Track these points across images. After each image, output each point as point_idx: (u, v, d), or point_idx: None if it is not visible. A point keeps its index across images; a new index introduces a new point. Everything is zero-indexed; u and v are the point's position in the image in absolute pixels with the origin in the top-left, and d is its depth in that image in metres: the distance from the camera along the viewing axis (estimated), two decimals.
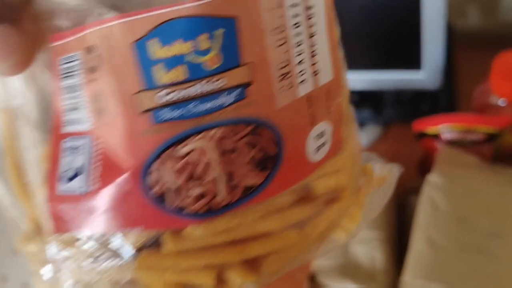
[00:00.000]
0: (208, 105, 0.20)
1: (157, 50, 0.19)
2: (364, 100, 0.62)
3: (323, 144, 0.23)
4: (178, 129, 0.20)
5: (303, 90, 0.21)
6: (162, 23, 0.18)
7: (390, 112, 0.60)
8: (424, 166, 0.57)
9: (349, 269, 0.46)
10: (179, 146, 0.20)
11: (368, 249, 0.46)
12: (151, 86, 0.19)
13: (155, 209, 0.20)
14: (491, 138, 0.48)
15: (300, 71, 0.21)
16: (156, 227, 0.21)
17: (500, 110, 0.47)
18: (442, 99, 0.58)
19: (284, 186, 0.22)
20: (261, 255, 0.23)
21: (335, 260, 0.47)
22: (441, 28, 0.47)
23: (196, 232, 0.21)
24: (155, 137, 0.20)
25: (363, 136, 0.63)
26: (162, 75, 0.19)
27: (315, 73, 0.22)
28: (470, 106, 0.54)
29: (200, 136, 0.20)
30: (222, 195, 0.21)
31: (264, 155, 0.21)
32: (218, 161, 0.20)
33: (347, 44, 0.54)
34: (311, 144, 0.23)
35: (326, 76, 0.22)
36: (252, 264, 0.23)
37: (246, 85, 0.20)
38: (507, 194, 0.42)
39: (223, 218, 0.21)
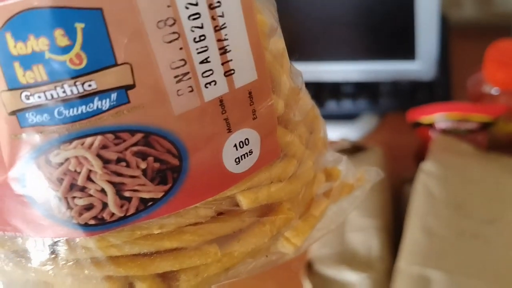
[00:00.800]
0: (79, 110, 0.17)
1: (12, 45, 0.16)
2: (361, 90, 0.62)
3: (248, 153, 0.21)
4: (47, 135, 0.17)
5: (212, 93, 0.18)
6: (14, 15, 0.16)
7: (386, 102, 0.61)
8: (420, 155, 0.58)
9: (346, 257, 0.47)
10: (52, 154, 0.18)
11: (365, 237, 0.47)
12: (13, 85, 0.17)
13: (41, 217, 0.19)
14: (485, 126, 0.48)
15: (205, 71, 0.18)
16: (44, 235, 0.19)
17: (494, 98, 0.47)
18: (438, 89, 0.59)
19: (193, 200, 0.20)
20: (176, 270, 0.21)
21: (332, 248, 0.48)
22: (435, 19, 0.47)
23: (88, 244, 0.19)
24: (24, 142, 0.18)
25: (360, 127, 0.64)
26: (21, 75, 0.17)
27: (228, 73, 0.19)
28: (465, 95, 0.55)
29: (74, 144, 0.18)
30: (112, 208, 0.19)
31: (163, 166, 0.19)
32: (100, 172, 0.18)
33: (344, 35, 0.55)
34: (229, 154, 0.20)
35: (246, 76, 0.19)
36: (168, 277, 0.21)
37: (128, 87, 0.17)
38: (502, 181, 0.43)
39: (122, 231, 0.19)
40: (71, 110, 0.17)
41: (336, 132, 0.64)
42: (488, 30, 0.64)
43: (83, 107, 0.17)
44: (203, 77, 0.18)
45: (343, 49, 0.56)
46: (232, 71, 0.19)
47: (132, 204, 0.19)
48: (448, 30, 0.64)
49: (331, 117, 0.64)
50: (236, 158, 0.20)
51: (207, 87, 0.18)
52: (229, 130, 0.19)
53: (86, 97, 0.17)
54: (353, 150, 0.54)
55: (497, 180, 0.43)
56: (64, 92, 0.17)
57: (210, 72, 0.18)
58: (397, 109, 0.61)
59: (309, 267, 0.49)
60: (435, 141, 0.49)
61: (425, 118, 0.50)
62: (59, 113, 0.17)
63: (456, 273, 0.40)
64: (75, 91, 0.17)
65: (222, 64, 0.18)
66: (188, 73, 0.18)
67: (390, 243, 0.48)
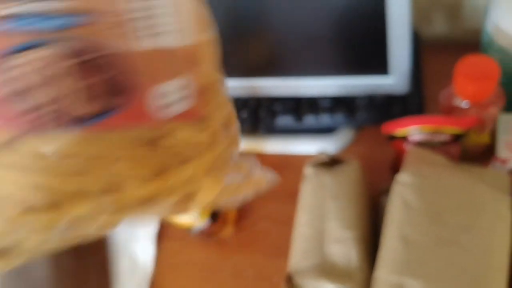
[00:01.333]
0: (42, 24, 0.19)
1: None
2: (337, 105, 0.64)
3: (176, 102, 0.24)
4: (9, 41, 0.19)
5: (164, 41, 0.22)
6: None
7: (363, 116, 0.62)
8: (395, 167, 0.59)
9: (325, 269, 0.47)
10: (5, 59, 0.20)
11: (343, 248, 0.48)
12: None
13: None
14: (457, 138, 0.50)
15: (162, 23, 0.21)
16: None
17: (465, 111, 0.49)
18: (412, 103, 0.61)
19: (123, 125, 0.22)
20: None
21: (311, 260, 0.48)
22: (407, 35, 0.49)
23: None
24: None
25: (337, 140, 0.65)
26: None
27: (177, 31, 0.22)
28: (437, 108, 0.56)
29: (27, 52, 0.19)
30: (48, 117, 0.21)
31: (109, 89, 0.21)
32: (41, 82, 0.20)
33: (320, 51, 0.57)
34: (160, 97, 0.23)
35: (187, 38, 0.23)
36: None
37: (88, 13, 0.19)
38: (475, 190, 0.44)
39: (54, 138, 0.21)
40: (36, 21, 0.19)
41: (315, 146, 0.65)
42: (458, 45, 0.66)
43: (48, 21, 0.19)
44: (159, 26, 0.21)
45: (319, 65, 0.58)
46: (180, 31, 0.23)
47: (65, 117, 0.21)
48: (420, 45, 0.66)
49: (309, 131, 0.66)
50: (164, 103, 0.23)
51: (160, 35, 0.22)
52: (167, 78, 0.23)
53: (50, 14, 0.19)
54: (331, 163, 0.55)
55: (471, 189, 0.44)
56: (31, 7, 0.19)
57: (167, 24, 0.22)
58: (373, 122, 0.63)
59: (289, 280, 0.49)
60: (409, 153, 0.50)
61: (400, 131, 0.51)
62: (24, 24, 0.19)
63: (434, 281, 0.40)
64: (42, 8, 0.19)
65: (174, 22, 0.22)
66: (150, 19, 0.21)
67: (369, 254, 0.49)
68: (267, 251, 0.60)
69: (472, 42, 0.64)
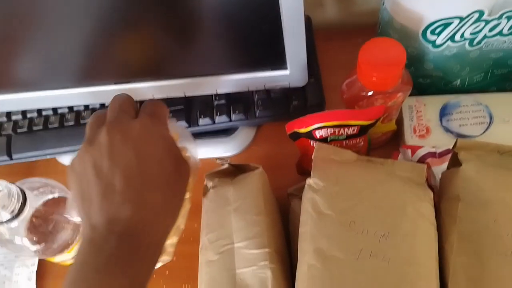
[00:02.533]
0: None
1: None
2: (234, 103, 0.57)
3: None
4: None
5: None
6: None
7: (262, 113, 0.57)
8: (302, 165, 0.54)
9: None
10: None
11: (255, 271, 0.41)
12: None
13: None
14: (364, 130, 0.46)
15: None
16: None
17: (370, 100, 0.45)
18: (312, 94, 0.56)
19: None
20: None
21: None
22: (301, 24, 0.44)
23: None
24: None
25: (237, 141, 0.59)
26: None
27: None
28: (338, 97, 0.52)
29: None
30: None
31: None
32: None
33: (211, 48, 0.49)
34: None
35: None
36: None
37: None
38: (391, 189, 0.40)
39: None
40: None
41: (215, 149, 0.58)
42: (354, 30, 0.63)
43: None
44: None
45: (212, 62, 0.51)
46: None
47: None
48: (313, 32, 0.61)
49: (206, 134, 0.59)
50: None
51: None
52: None
53: None
54: (233, 171, 0.48)
55: (384, 188, 0.41)
56: None
57: None
58: (273, 118, 0.57)
59: None
60: (316, 152, 0.45)
61: (303, 129, 0.46)
62: None
63: None
64: None
65: None
66: None
67: (286, 270, 0.43)
68: (170, 283, 0.53)
69: (368, 25, 0.61)
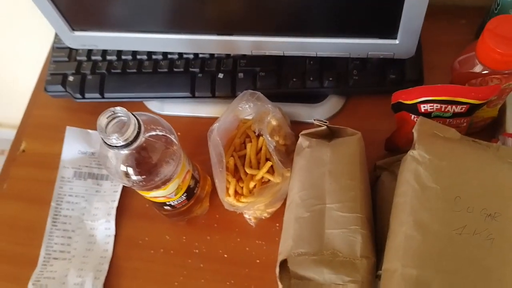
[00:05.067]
0: None
1: None
2: (328, 70, 0.56)
3: None
4: None
5: None
6: None
7: (355, 81, 0.56)
8: (393, 141, 0.53)
9: (326, 257, 0.41)
10: None
11: (347, 233, 0.41)
12: None
13: None
14: (471, 110, 0.45)
15: None
16: None
17: (484, 80, 0.43)
18: (411, 70, 0.55)
19: None
20: None
21: (309, 247, 0.42)
22: None
23: None
24: None
25: (326, 109, 0.58)
26: None
27: None
28: (436, 77, 0.51)
29: None
30: None
31: None
32: None
33: (320, 7, 0.48)
34: None
35: None
36: None
37: None
38: (498, 171, 0.39)
39: None
40: None
41: (301, 114, 0.58)
42: (456, 10, 0.61)
43: None
44: None
45: (320, 22, 0.50)
46: None
47: None
48: None
49: (295, 99, 0.58)
50: None
51: None
52: None
53: None
54: (330, 135, 0.48)
55: (492, 169, 0.39)
56: None
57: None
58: (366, 90, 0.56)
59: (283, 268, 0.42)
60: (420, 125, 0.44)
61: (410, 101, 0.45)
62: None
63: (456, 278, 0.35)
64: None
65: None
66: None
67: (373, 240, 0.43)
68: (246, 231, 0.53)
69: (472, 7, 0.59)
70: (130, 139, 0.37)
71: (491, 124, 0.53)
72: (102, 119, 0.37)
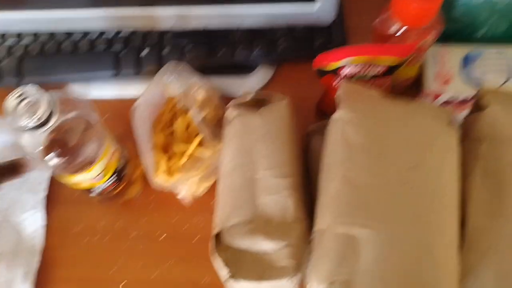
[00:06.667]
0: None
1: None
2: (255, 37, 0.56)
3: None
4: None
5: None
6: None
7: (284, 50, 0.56)
8: (323, 106, 0.54)
9: (259, 224, 0.41)
10: None
11: (278, 198, 0.41)
12: None
13: None
14: (391, 70, 0.46)
15: None
16: None
17: (401, 39, 0.44)
18: (335, 34, 0.55)
19: None
20: None
21: (242, 216, 0.41)
22: None
23: None
24: None
25: (256, 77, 0.58)
26: None
27: None
28: (360, 40, 0.52)
29: None
30: None
31: None
32: None
33: None
34: None
35: None
36: None
37: None
38: (419, 124, 0.40)
39: None
40: None
41: (232, 86, 0.57)
42: None
43: None
44: None
45: None
46: None
47: None
48: None
49: (225, 71, 0.57)
50: None
51: None
52: None
53: None
54: (257, 103, 0.48)
55: (413, 123, 0.41)
56: None
57: None
58: (295, 56, 0.57)
59: (218, 239, 0.42)
60: (343, 88, 0.44)
61: (332, 64, 0.45)
62: None
63: (384, 228, 0.36)
64: None
65: None
66: None
67: (305, 202, 0.43)
68: (183, 209, 0.52)
69: None
70: (43, 119, 0.35)
71: (414, 84, 0.54)
72: (11, 100, 0.35)
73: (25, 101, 0.35)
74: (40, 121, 0.35)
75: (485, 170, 0.39)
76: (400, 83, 0.53)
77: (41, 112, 0.35)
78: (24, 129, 0.35)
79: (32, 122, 0.35)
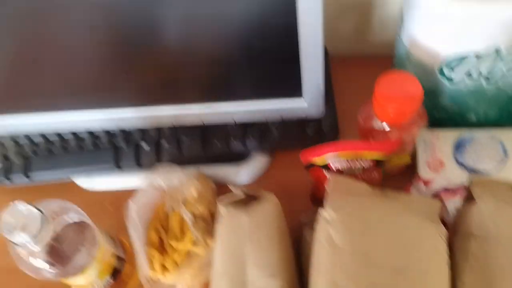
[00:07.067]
0: None
1: None
2: (249, 130, 0.58)
3: None
4: None
5: None
6: None
7: (276, 140, 0.57)
8: (316, 195, 0.54)
9: None
10: None
11: None
12: None
13: None
14: (378, 163, 0.46)
15: None
16: None
17: (385, 133, 0.45)
18: (326, 124, 0.57)
19: None
20: None
21: None
22: (320, 54, 0.44)
23: None
24: None
25: (251, 168, 0.59)
26: None
27: None
28: (353, 128, 0.53)
29: None
30: None
31: None
32: None
33: (226, 74, 0.50)
34: None
35: None
36: None
37: None
38: (404, 223, 0.40)
39: None
40: None
41: (228, 175, 0.58)
42: (369, 59, 0.64)
43: None
44: None
45: (226, 89, 0.52)
46: None
47: None
48: (329, 61, 0.62)
49: (220, 160, 0.59)
50: None
51: None
52: None
53: None
54: (247, 199, 0.49)
55: (399, 222, 0.40)
56: None
57: None
58: (288, 147, 0.58)
59: None
60: (330, 183, 0.45)
61: (318, 159, 0.46)
62: None
63: None
64: None
65: None
66: None
67: None
68: None
69: (384, 55, 0.61)
70: (36, 234, 0.37)
71: (408, 168, 0.55)
72: (5, 217, 0.37)
73: (18, 219, 0.37)
74: (34, 236, 0.37)
75: (474, 271, 0.38)
76: (393, 170, 0.54)
77: (34, 230, 0.36)
78: (18, 246, 0.37)
79: (26, 238, 0.36)
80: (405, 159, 0.52)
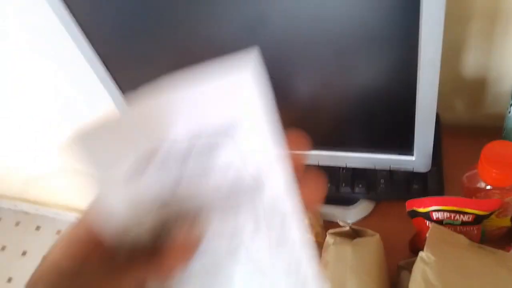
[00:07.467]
0: None
1: None
2: (358, 177, 0.65)
3: None
4: None
5: None
6: None
7: (383, 189, 0.64)
8: (415, 243, 0.59)
9: None
10: None
11: None
12: None
13: None
14: (479, 219, 0.51)
15: None
16: None
17: (488, 193, 0.50)
18: (432, 181, 0.62)
19: None
20: None
21: None
22: (433, 119, 0.51)
23: None
24: None
25: (357, 211, 0.66)
26: None
27: None
28: (456, 188, 0.57)
29: None
30: None
31: None
32: None
33: (348, 128, 0.59)
34: None
35: None
36: None
37: None
38: (497, 275, 0.44)
39: None
40: None
41: (336, 215, 0.66)
42: (479, 130, 0.68)
43: None
44: None
45: (348, 140, 0.60)
46: None
47: None
48: (441, 128, 0.68)
49: (330, 201, 0.67)
50: None
51: None
52: None
53: None
54: (352, 234, 0.55)
55: (493, 274, 0.45)
56: None
57: None
58: (392, 197, 0.64)
59: None
60: (431, 231, 0.51)
61: (422, 209, 0.52)
62: None
63: None
64: None
65: None
66: None
67: None
68: None
69: (493, 127, 0.66)
70: None
71: (508, 232, 0.58)
72: None
73: None
74: None
75: None
76: (493, 232, 0.57)
77: None
78: None
79: None
80: (506, 222, 0.55)
